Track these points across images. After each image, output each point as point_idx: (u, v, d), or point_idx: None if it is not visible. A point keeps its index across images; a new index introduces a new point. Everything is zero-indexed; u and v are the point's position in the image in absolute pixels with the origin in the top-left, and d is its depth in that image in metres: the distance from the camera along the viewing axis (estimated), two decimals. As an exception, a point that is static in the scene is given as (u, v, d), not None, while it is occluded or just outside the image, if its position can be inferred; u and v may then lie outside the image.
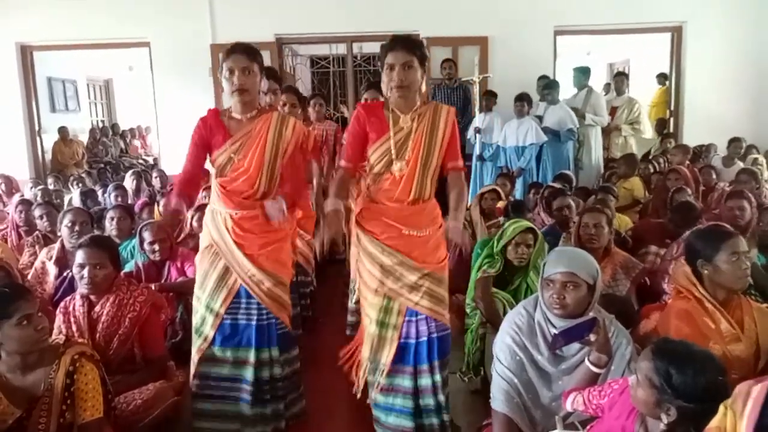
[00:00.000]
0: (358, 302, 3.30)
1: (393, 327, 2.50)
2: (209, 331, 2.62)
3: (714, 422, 1.40)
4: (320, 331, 4.00)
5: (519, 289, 3.20)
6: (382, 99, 3.54)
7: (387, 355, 2.50)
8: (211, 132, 2.60)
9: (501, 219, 4.47)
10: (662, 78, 8.74)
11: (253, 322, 2.63)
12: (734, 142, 6.73)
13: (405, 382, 2.54)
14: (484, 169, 6.73)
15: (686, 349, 1.64)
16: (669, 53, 8.06)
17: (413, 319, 2.51)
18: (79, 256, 2.68)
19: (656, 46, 9.31)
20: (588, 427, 1.93)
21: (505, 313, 2.96)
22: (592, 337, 1.91)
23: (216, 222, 2.64)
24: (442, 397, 2.55)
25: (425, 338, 2.51)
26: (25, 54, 7.77)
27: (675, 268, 2.52)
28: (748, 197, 3.75)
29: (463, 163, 2.61)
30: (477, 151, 6.62)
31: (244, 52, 2.52)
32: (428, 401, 2.55)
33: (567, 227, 3.96)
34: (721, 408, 1.41)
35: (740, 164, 6.34)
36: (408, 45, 2.39)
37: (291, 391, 2.81)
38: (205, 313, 2.63)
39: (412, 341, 2.52)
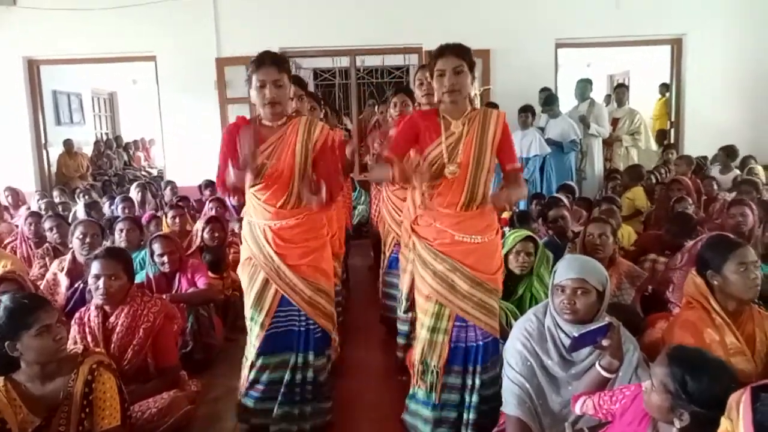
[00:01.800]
0: (406, 312, 3.36)
1: (444, 332, 2.56)
2: (255, 341, 2.67)
3: (721, 431, 1.45)
4: (351, 340, 4.03)
5: (523, 299, 3.24)
6: (410, 102, 3.65)
7: (439, 359, 2.57)
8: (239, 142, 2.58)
9: (506, 229, 4.51)
10: (664, 88, 8.81)
11: (295, 328, 2.69)
12: (727, 149, 6.77)
13: (451, 379, 2.60)
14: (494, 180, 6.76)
15: (701, 357, 1.69)
16: (669, 65, 8.14)
17: (464, 324, 2.56)
18: (95, 267, 2.73)
19: (656, 57, 9.40)
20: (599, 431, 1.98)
21: (507, 323, 3.01)
22: (605, 343, 1.95)
23: (254, 234, 2.65)
24: (475, 398, 2.59)
25: (474, 344, 2.58)
26: (32, 68, 7.84)
27: (688, 278, 2.54)
28: (750, 205, 3.80)
29: (521, 165, 2.66)
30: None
31: (274, 63, 2.50)
32: (474, 398, 2.59)
33: (564, 237, 4.01)
34: (723, 419, 1.46)
35: (736, 171, 6.39)
36: (457, 51, 2.44)
37: (322, 400, 2.82)
38: (251, 324, 2.69)
39: (462, 344, 2.58)
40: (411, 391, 2.74)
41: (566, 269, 2.19)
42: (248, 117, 2.74)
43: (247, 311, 2.70)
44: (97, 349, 2.47)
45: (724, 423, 1.44)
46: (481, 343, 2.59)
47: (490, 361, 2.63)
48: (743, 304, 2.34)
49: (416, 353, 2.64)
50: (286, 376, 2.69)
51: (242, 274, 2.72)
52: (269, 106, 2.53)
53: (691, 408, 1.61)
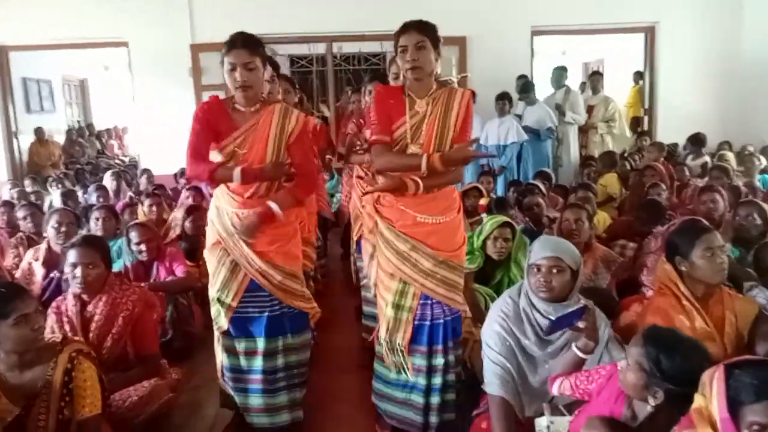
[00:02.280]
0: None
1: (408, 309, 2.56)
2: (224, 322, 2.64)
3: (695, 406, 1.50)
4: (324, 327, 4.02)
5: (501, 284, 3.30)
6: None
7: (403, 336, 2.57)
8: (216, 119, 2.54)
9: (483, 216, 4.56)
10: (638, 76, 8.94)
11: (266, 313, 2.65)
12: (694, 137, 6.91)
13: (418, 360, 2.60)
14: (466, 169, 6.82)
15: (675, 336, 1.75)
16: (643, 53, 8.26)
17: (428, 302, 2.57)
18: (72, 256, 2.69)
19: (630, 45, 9.52)
20: (576, 411, 2.03)
21: (486, 307, 3.06)
22: (581, 325, 2.00)
23: (222, 219, 2.61)
24: (451, 376, 2.63)
25: (441, 320, 2.58)
26: (1, 54, 7.67)
27: (658, 265, 2.59)
28: (720, 191, 3.88)
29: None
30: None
31: (245, 46, 2.43)
32: (438, 380, 2.61)
33: (540, 224, 4.06)
34: (696, 395, 1.51)
35: (706, 158, 6.53)
36: (420, 26, 2.41)
37: (300, 383, 2.81)
38: (217, 306, 2.65)
39: (427, 323, 2.58)
40: (376, 372, 2.75)
41: (541, 249, 2.24)
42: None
43: (213, 293, 2.65)
44: (76, 338, 2.45)
45: (698, 399, 1.49)
46: (449, 319, 2.60)
47: (455, 339, 2.65)
48: (712, 287, 2.39)
49: (381, 332, 2.64)
50: (260, 365, 2.66)
51: (210, 256, 2.68)
52: (241, 89, 2.46)
53: (665, 386, 1.66)
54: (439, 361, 2.61)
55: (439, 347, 2.60)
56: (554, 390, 2.07)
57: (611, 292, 3.18)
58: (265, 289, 2.62)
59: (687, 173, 5.67)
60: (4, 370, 2.15)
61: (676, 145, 7.49)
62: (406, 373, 2.61)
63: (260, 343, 2.66)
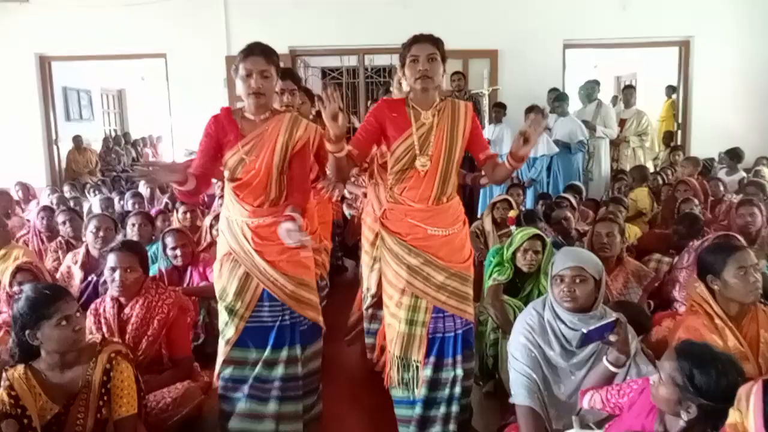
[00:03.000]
0: (369, 308, 3.39)
1: (422, 324, 2.55)
2: (232, 335, 2.61)
3: (730, 422, 1.49)
4: (334, 336, 4.07)
5: (530, 296, 3.27)
6: None
7: (418, 352, 2.56)
8: (223, 130, 2.55)
9: (512, 228, 4.55)
10: (671, 90, 8.84)
11: (277, 323, 2.63)
12: (732, 152, 6.81)
13: (428, 372, 2.58)
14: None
15: (709, 351, 1.74)
16: (677, 67, 8.17)
17: (440, 315, 2.57)
18: (111, 260, 2.78)
19: (663, 59, 9.42)
20: (606, 425, 2.02)
21: (515, 318, 3.06)
22: (613, 338, 2.00)
23: (233, 230, 2.61)
24: (458, 390, 2.59)
25: (452, 334, 2.58)
26: (44, 64, 7.94)
27: (689, 283, 2.57)
28: (759, 205, 3.82)
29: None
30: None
31: (262, 53, 2.44)
32: (443, 393, 2.59)
33: (569, 238, 4.04)
34: (731, 411, 1.50)
35: (742, 173, 6.42)
36: (432, 39, 2.46)
37: (310, 393, 2.80)
38: (228, 317, 2.62)
39: (439, 335, 2.58)
40: (395, 398, 2.69)
41: (563, 259, 2.27)
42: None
43: (225, 304, 2.63)
44: (115, 339, 2.52)
45: (733, 414, 1.48)
46: (460, 332, 2.59)
47: (467, 351, 2.63)
48: (746, 306, 2.36)
49: (394, 350, 2.59)
50: (273, 373, 2.63)
51: (221, 268, 2.65)
52: (254, 96, 2.46)
53: (698, 401, 1.65)
54: (448, 374, 2.59)
55: (449, 360, 2.59)
56: (585, 403, 2.06)
57: (644, 308, 3.15)
58: (278, 299, 2.62)
59: (721, 188, 5.58)
60: (46, 369, 2.21)
61: (712, 160, 7.38)
62: (414, 390, 2.58)
63: (268, 353, 2.64)
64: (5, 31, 7.63)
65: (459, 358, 2.59)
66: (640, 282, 3.27)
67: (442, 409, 2.60)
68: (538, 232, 3.26)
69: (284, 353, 2.65)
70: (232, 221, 2.62)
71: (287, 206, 2.54)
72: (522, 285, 3.30)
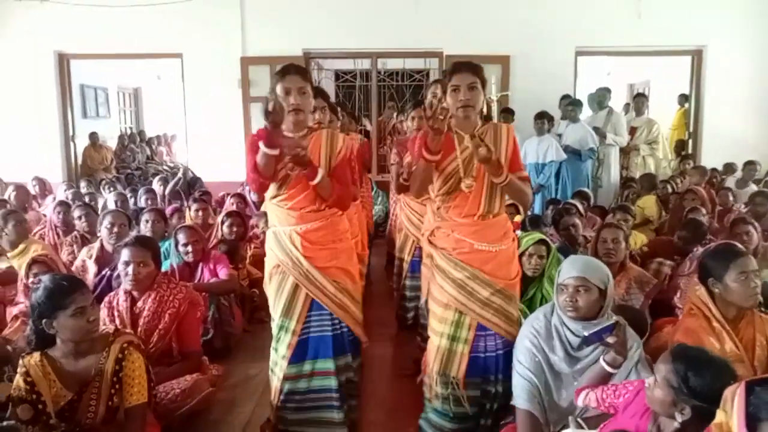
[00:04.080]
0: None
1: (464, 341, 2.58)
2: (286, 350, 2.68)
3: (716, 421, 1.54)
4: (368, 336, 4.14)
5: (534, 299, 3.31)
6: None
7: (458, 369, 2.58)
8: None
9: (517, 233, 4.59)
10: (683, 99, 8.83)
11: (329, 333, 2.71)
12: (749, 165, 6.84)
13: (470, 392, 2.61)
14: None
15: (704, 354, 1.79)
16: (689, 75, 8.17)
17: (483, 333, 2.59)
18: (125, 254, 2.86)
19: (676, 67, 9.42)
20: (602, 425, 2.06)
21: (518, 322, 3.10)
22: (611, 339, 2.05)
23: (280, 242, 2.68)
24: (495, 405, 2.65)
25: (494, 353, 2.61)
26: (62, 62, 8.06)
27: (690, 286, 2.61)
28: (752, 222, 3.84)
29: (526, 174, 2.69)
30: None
31: (299, 73, 2.58)
32: (485, 402, 2.65)
33: (575, 244, 4.08)
34: (718, 411, 1.54)
35: (754, 187, 6.43)
36: (472, 68, 2.53)
37: (350, 399, 2.88)
38: (279, 333, 2.71)
39: (481, 355, 2.61)
40: (427, 400, 2.74)
41: (568, 269, 2.30)
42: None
43: (276, 321, 2.71)
44: (127, 330, 2.60)
45: (719, 414, 1.52)
46: (501, 352, 2.61)
47: (505, 371, 2.63)
48: (744, 310, 2.41)
49: (433, 364, 2.62)
50: (333, 383, 2.71)
51: (270, 283, 2.75)
52: (293, 113, 2.57)
53: (692, 402, 1.69)
54: (496, 389, 2.63)
55: (497, 376, 2.63)
56: (579, 401, 2.11)
57: (643, 312, 3.19)
58: (327, 309, 2.70)
59: (730, 198, 5.59)
60: (61, 356, 2.29)
61: (726, 165, 7.39)
62: (452, 407, 2.61)
63: (327, 364, 2.72)
64: (25, 28, 7.77)
65: (500, 377, 2.62)
66: (642, 288, 3.31)
67: (482, 421, 2.66)
68: (543, 236, 3.30)
69: (339, 362, 2.74)
70: (279, 233, 2.70)
71: (335, 211, 2.70)
72: (525, 289, 3.34)
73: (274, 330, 2.74)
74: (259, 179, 2.55)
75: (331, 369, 2.72)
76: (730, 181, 6.86)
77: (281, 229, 2.70)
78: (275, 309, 2.73)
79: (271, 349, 2.75)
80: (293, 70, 2.59)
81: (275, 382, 2.74)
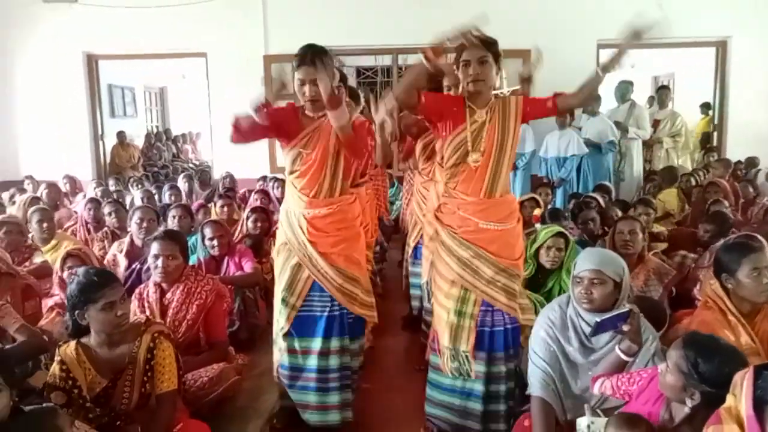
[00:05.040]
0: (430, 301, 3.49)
1: (470, 316, 2.63)
2: (285, 323, 2.77)
3: (725, 405, 1.58)
4: (381, 329, 4.14)
5: (552, 292, 3.34)
6: None
7: (467, 343, 2.63)
8: (288, 122, 2.71)
9: (537, 226, 4.61)
10: (705, 108, 8.69)
11: (326, 313, 2.77)
12: None
13: (478, 366, 2.67)
14: (514, 178, 6.82)
15: (713, 341, 1.83)
16: (714, 67, 8.08)
17: (489, 309, 2.65)
18: (154, 248, 2.97)
19: (701, 59, 9.30)
20: (615, 412, 2.11)
21: (536, 313, 3.14)
22: (625, 327, 2.09)
23: (290, 220, 2.78)
24: (511, 384, 2.71)
25: (501, 328, 2.67)
26: (91, 63, 8.27)
27: (705, 279, 2.63)
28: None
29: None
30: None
31: (314, 63, 2.55)
32: (500, 387, 2.70)
33: (594, 238, 4.10)
34: (728, 395, 1.58)
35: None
36: (482, 41, 2.53)
37: (349, 390, 2.92)
38: (281, 306, 2.79)
39: (487, 329, 2.66)
40: (432, 381, 2.80)
41: (583, 261, 2.34)
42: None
43: (279, 293, 2.80)
44: (158, 320, 2.71)
45: (729, 399, 1.56)
46: (509, 327, 2.67)
47: (513, 348, 2.71)
48: (759, 304, 2.42)
49: (444, 339, 2.68)
50: (314, 364, 2.78)
51: (277, 257, 2.85)
52: (309, 102, 2.66)
53: (702, 388, 1.74)
54: (500, 369, 2.68)
55: (501, 354, 2.68)
56: (595, 389, 2.16)
57: (662, 303, 3.20)
58: (327, 291, 2.77)
59: (751, 190, 5.54)
60: (95, 345, 2.39)
61: (748, 159, 7.29)
62: (468, 375, 2.66)
63: (316, 343, 2.79)
64: (55, 30, 7.97)
65: (511, 352, 2.68)
66: (661, 279, 3.32)
67: (502, 406, 2.70)
68: (561, 229, 3.33)
69: (335, 343, 2.80)
70: (290, 212, 2.80)
71: (344, 198, 2.76)
72: (544, 281, 3.37)
73: (277, 303, 2.82)
74: (240, 138, 2.67)
75: (315, 349, 2.78)
76: (761, 174, 6.79)
77: (293, 209, 2.78)
78: (279, 282, 2.81)
79: (274, 320, 2.85)
80: (308, 60, 2.57)
81: (277, 354, 2.84)
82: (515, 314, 2.68)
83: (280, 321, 2.80)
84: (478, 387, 2.68)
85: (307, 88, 2.62)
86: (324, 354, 2.79)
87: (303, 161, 2.72)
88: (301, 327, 2.80)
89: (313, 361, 2.80)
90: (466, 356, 2.65)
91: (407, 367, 3.70)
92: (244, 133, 2.66)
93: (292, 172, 2.77)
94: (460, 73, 2.59)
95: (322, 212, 2.73)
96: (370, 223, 3.79)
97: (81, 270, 2.42)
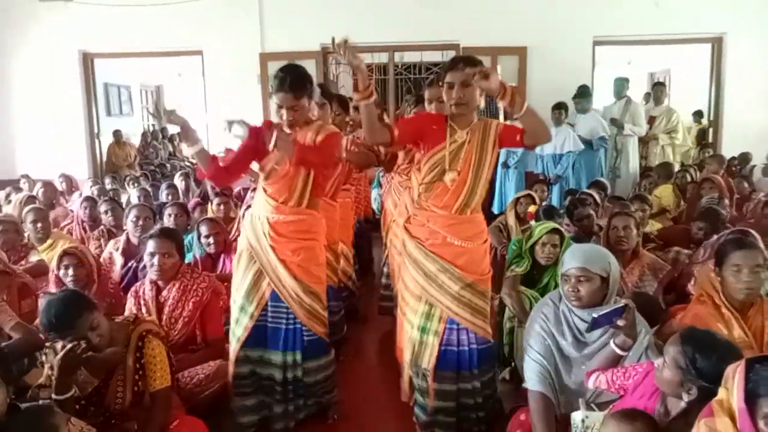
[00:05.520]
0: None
1: (434, 333, 2.61)
2: (242, 333, 2.74)
3: (717, 398, 1.59)
4: (356, 328, 4.21)
5: (547, 287, 3.36)
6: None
7: (428, 361, 2.62)
8: (263, 143, 2.68)
9: (532, 223, 4.63)
10: (698, 117, 8.69)
11: (282, 326, 2.75)
12: None
13: (445, 386, 2.65)
14: (507, 176, 6.85)
15: (711, 337, 1.84)
16: (709, 64, 8.09)
17: (454, 327, 2.62)
18: (150, 246, 2.97)
19: (698, 55, 9.33)
20: (611, 406, 2.12)
21: (531, 309, 3.16)
22: (621, 322, 2.10)
23: (254, 226, 2.76)
24: (480, 399, 2.69)
25: (466, 347, 2.64)
26: (87, 61, 8.25)
27: (700, 272, 2.65)
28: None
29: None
30: (502, 158, 6.69)
31: (292, 90, 2.59)
32: (468, 400, 2.69)
33: (590, 235, 4.11)
34: (720, 388, 1.59)
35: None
36: (467, 63, 2.49)
37: (326, 392, 2.92)
38: (239, 314, 2.76)
39: (454, 348, 2.63)
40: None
41: (569, 259, 2.35)
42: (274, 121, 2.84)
43: (238, 300, 2.76)
44: (148, 318, 2.70)
45: (721, 392, 1.57)
46: (474, 347, 2.64)
47: (485, 364, 2.70)
48: (749, 299, 2.44)
49: (406, 355, 2.68)
50: (279, 375, 2.75)
51: (238, 263, 2.80)
52: (286, 125, 2.67)
53: (699, 383, 1.75)
54: (466, 385, 2.66)
55: (466, 373, 2.66)
56: (590, 383, 2.17)
57: (657, 298, 3.22)
58: (284, 302, 2.72)
59: (746, 186, 5.56)
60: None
61: (741, 154, 7.32)
62: (426, 397, 2.66)
63: (278, 356, 2.76)
64: (51, 29, 7.96)
65: (476, 371, 2.66)
66: (656, 275, 3.34)
67: (473, 415, 2.70)
68: (556, 226, 3.35)
69: (289, 357, 2.77)
70: (255, 217, 2.79)
71: (310, 212, 2.76)
72: (539, 277, 3.40)
73: (234, 311, 2.79)
74: (228, 179, 2.77)
75: (277, 361, 2.76)
76: (756, 170, 6.81)
77: (257, 213, 2.77)
78: (238, 290, 2.77)
79: (230, 330, 2.81)
80: (286, 86, 2.59)
81: (231, 366, 2.80)
82: (484, 334, 2.65)
83: (236, 331, 2.77)
84: (450, 404, 2.67)
85: (284, 113, 2.65)
86: (283, 367, 2.77)
87: (278, 175, 2.71)
88: (258, 337, 2.76)
89: (274, 373, 2.78)
90: (426, 375, 2.65)
91: (385, 358, 3.65)
92: (225, 176, 2.79)
93: (264, 181, 2.79)
94: (444, 94, 2.57)
95: (286, 219, 2.71)
96: (337, 236, 3.71)
97: (48, 302, 2.33)
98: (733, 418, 1.49)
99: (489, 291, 2.71)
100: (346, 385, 3.20)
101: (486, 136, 2.58)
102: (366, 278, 5.23)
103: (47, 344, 2.32)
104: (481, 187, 2.61)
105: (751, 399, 1.47)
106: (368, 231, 5.53)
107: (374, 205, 6.20)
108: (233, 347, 2.77)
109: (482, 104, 2.63)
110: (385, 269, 4.08)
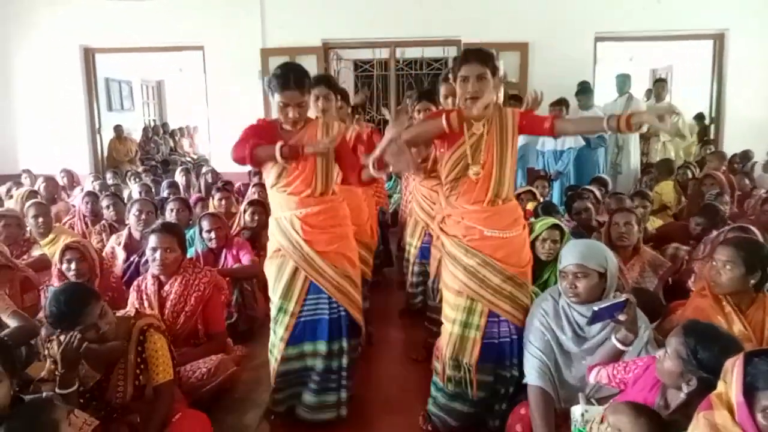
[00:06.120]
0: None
1: (476, 327, 2.60)
2: (283, 332, 2.75)
3: (716, 391, 1.60)
4: (376, 324, 4.21)
5: (548, 283, 3.35)
6: (433, 109, 3.51)
7: (471, 356, 2.60)
8: (267, 135, 2.68)
9: (531, 219, 4.63)
10: (700, 120, 8.64)
11: (326, 316, 2.76)
12: None
13: (484, 377, 2.65)
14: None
15: (713, 330, 1.87)
16: (711, 60, 8.08)
17: (495, 319, 2.61)
18: (152, 240, 2.98)
19: (700, 51, 9.30)
20: (611, 400, 2.13)
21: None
22: (622, 317, 2.11)
23: (281, 227, 2.75)
24: (512, 389, 2.69)
25: (508, 338, 2.63)
26: (88, 56, 8.24)
27: (700, 270, 2.67)
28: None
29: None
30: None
31: (298, 87, 2.59)
32: (502, 388, 2.69)
33: (588, 229, 4.12)
34: (719, 382, 1.61)
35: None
36: (481, 57, 2.48)
37: (349, 379, 2.94)
38: (278, 315, 2.77)
39: (495, 341, 2.62)
40: (438, 384, 2.78)
41: (566, 256, 2.37)
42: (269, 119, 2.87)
43: (275, 303, 2.78)
44: (148, 312, 2.71)
45: (720, 385, 1.58)
46: (516, 338, 2.63)
47: (518, 358, 2.66)
48: (752, 294, 2.47)
49: (446, 350, 2.66)
50: (321, 365, 2.78)
51: (270, 267, 2.81)
52: (291, 123, 2.67)
53: (699, 374, 1.77)
54: (505, 373, 2.66)
55: (506, 363, 2.65)
56: (591, 378, 2.19)
57: (658, 295, 3.23)
58: (325, 292, 2.75)
59: (747, 182, 5.56)
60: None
61: (742, 152, 7.32)
62: (469, 391, 2.64)
63: (321, 346, 2.77)
64: (52, 24, 7.96)
65: (515, 361, 2.65)
66: (656, 271, 3.34)
67: (504, 405, 2.69)
68: (556, 221, 3.35)
69: (337, 345, 2.80)
70: (280, 219, 2.77)
71: (335, 197, 2.77)
72: (540, 273, 3.39)
73: (273, 312, 2.80)
74: (249, 162, 2.66)
75: (322, 351, 2.78)
76: (757, 167, 6.81)
77: (282, 214, 2.76)
78: (275, 291, 2.78)
79: (270, 331, 2.82)
80: (292, 84, 2.59)
81: (273, 363, 2.81)
82: (520, 324, 2.64)
83: (278, 331, 2.77)
84: (486, 394, 2.68)
85: (290, 111, 2.63)
86: (328, 356, 2.78)
87: (288, 174, 2.70)
88: (302, 331, 2.77)
89: (316, 363, 2.79)
90: (469, 369, 2.63)
91: (405, 357, 3.73)
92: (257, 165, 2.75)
93: (275, 185, 2.75)
94: (458, 88, 2.56)
95: (314, 210, 2.71)
96: (369, 221, 3.77)
97: (51, 300, 2.36)
98: (731, 411, 1.50)
99: (529, 283, 2.70)
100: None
101: (504, 124, 2.57)
102: (381, 271, 5.21)
103: (52, 337, 2.36)
104: (508, 176, 2.59)
105: (749, 392, 1.48)
106: (384, 224, 5.52)
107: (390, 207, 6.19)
108: (278, 347, 2.77)
109: (494, 97, 2.59)
110: (416, 268, 3.99)
